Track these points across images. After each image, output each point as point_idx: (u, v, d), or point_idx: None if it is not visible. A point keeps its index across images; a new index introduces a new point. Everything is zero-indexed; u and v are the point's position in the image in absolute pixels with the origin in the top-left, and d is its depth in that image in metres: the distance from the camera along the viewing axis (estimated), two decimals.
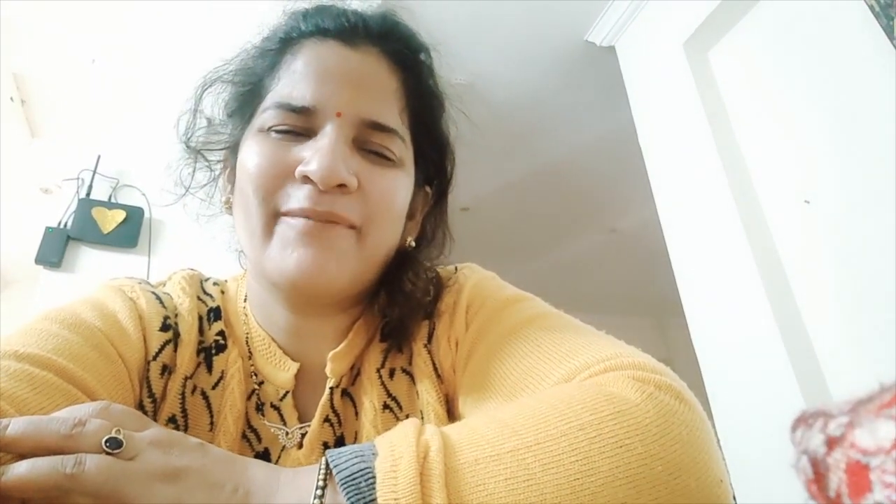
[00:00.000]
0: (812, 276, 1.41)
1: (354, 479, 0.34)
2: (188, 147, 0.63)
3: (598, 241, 4.00)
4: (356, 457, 0.36)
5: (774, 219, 1.53)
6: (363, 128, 0.53)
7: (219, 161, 0.63)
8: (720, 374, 1.60)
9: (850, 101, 1.34)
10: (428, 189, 0.65)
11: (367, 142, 0.54)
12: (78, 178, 1.77)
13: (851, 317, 1.30)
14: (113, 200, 1.76)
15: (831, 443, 0.18)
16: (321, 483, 0.35)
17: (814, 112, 1.43)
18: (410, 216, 0.62)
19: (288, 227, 0.50)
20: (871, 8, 1.27)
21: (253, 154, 0.53)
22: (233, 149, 0.59)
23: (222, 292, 0.63)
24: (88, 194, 1.74)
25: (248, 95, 0.58)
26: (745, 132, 1.65)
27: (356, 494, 0.33)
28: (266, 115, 0.54)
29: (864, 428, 0.17)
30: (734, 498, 0.40)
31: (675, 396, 0.40)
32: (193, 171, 0.63)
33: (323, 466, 0.36)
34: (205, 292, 0.62)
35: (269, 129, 0.53)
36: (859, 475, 0.16)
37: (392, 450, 0.36)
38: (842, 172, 1.35)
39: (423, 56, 0.62)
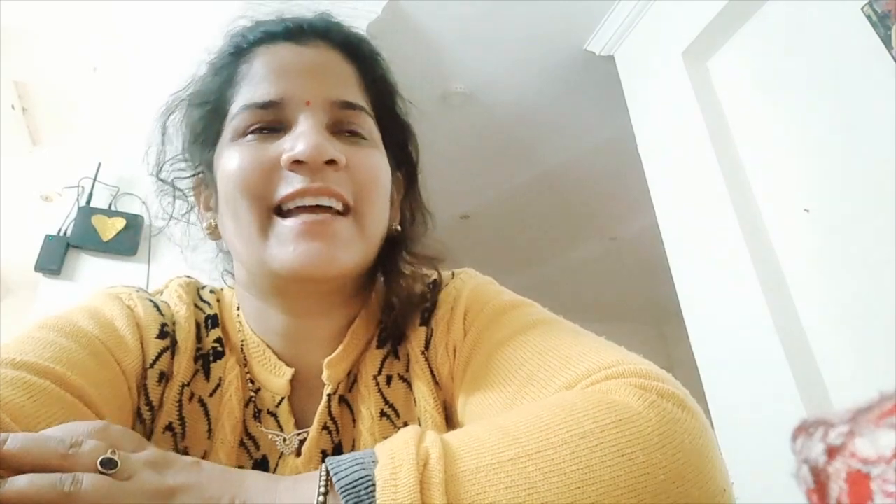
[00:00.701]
0: (812, 285, 1.41)
1: (354, 486, 0.34)
2: (160, 179, 0.63)
3: (597, 249, 4.01)
4: (356, 464, 0.36)
5: (774, 228, 1.53)
6: (335, 110, 0.54)
7: (191, 188, 0.63)
8: (721, 383, 1.60)
9: (849, 109, 1.35)
10: (399, 175, 0.65)
11: (340, 124, 0.54)
12: (78, 186, 1.77)
13: (852, 325, 1.30)
14: (113, 208, 1.76)
15: (832, 452, 0.18)
16: (322, 490, 0.35)
17: (813, 121, 1.44)
18: (390, 202, 0.62)
19: (284, 228, 0.50)
20: (869, 18, 1.28)
21: (233, 160, 0.52)
22: (207, 170, 0.59)
23: (218, 300, 0.63)
24: (89, 202, 1.74)
25: (211, 114, 0.58)
26: (745, 141, 1.66)
27: (356, 502, 0.33)
28: (235, 121, 0.54)
29: (865, 437, 0.17)
30: None
31: (677, 404, 0.39)
32: (173, 201, 0.64)
33: (323, 474, 0.36)
34: (202, 299, 0.62)
35: (243, 133, 0.53)
36: (860, 484, 0.16)
37: (392, 457, 0.36)
38: (841, 181, 1.36)
39: (369, 44, 0.63)
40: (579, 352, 0.47)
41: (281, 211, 0.51)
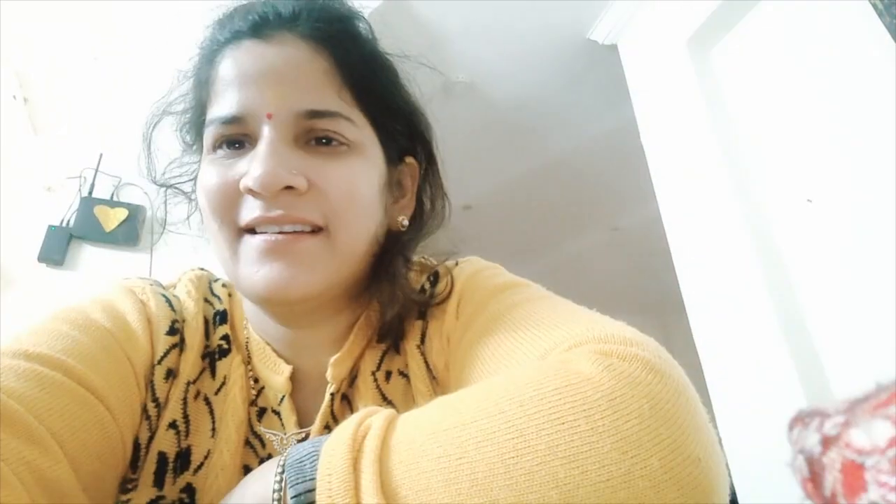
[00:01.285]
0: (815, 275, 1.41)
1: (301, 461, 0.35)
2: (158, 185, 0.63)
3: (600, 239, 4.00)
4: (311, 444, 0.37)
5: (777, 218, 1.53)
6: (301, 121, 0.50)
7: (194, 191, 0.62)
8: (722, 373, 1.60)
9: (854, 99, 1.34)
10: (410, 160, 0.62)
11: (311, 132, 0.51)
12: (80, 177, 1.77)
13: (854, 316, 1.30)
14: (115, 199, 1.76)
15: (827, 442, 0.18)
16: (280, 470, 0.36)
17: (817, 110, 1.43)
18: (400, 195, 0.60)
19: (249, 247, 0.49)
20: (875, 6, 1.27)
21: (204, 179, 0.52)
22: (195, 182, 0.59)
23: (230, 295, 0.63)
24: (91, 192, 1.74)
25: (196, 119, 0.57)
26: (748, 131, 1.65)
27: (298, 474, 0.35)
28: (206, 134, 0.52)
29: (860, 427, 0.17)
30: (734, 493, 0.38)
31: (643, 367, 0.36)
32: (166, 207, 0.64)
33: (283, 455, 0.37)
34: (212, 293, 0.62)
35: (213, 148, 0.52)
36: (854, 475, 0.16)
37: (338, 431, 0.37)
38: (845, 171, 1.35)
39: (350, 24, 0.57)
40: (552, 324, 0.45)
41: (252, 230, 0.50)
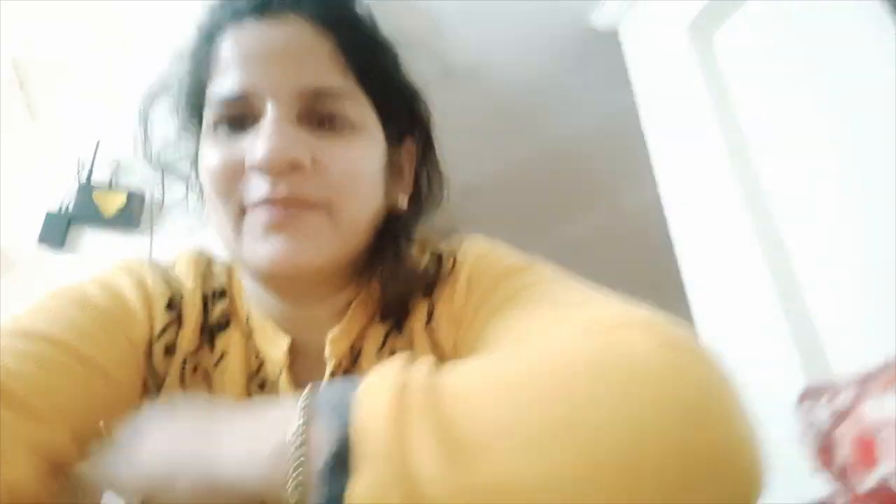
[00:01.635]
0: (815, 257, 1.41)
1: (336, 406, 0.33)
2: (154, 166, 0.62)
3: (600, 223, 3.99)
4: (338, 389, 0.35)
5: (778, 201, 1.53)
6: (305, 99, 0.50)
7: (191, 171, 0.62)
8: (723, 355, 1.61)
9: (856, 84, 1.33)
10: (409, 141, 0.62)
11: (314, 112, 0.50)
12: (78, 162, 1.76)
13: (855, 297, 1.30)
14: (114, 183, 1.76)
15: (838, 416, 0.18)
16: (302, 420, 0.33)
17: (818, 94, 1.42)
18: (398, 176, 0.60)
19: (254, 221, 0.49)
20: None
21: (207, 157, 0.51)
22: (195, 160, 0.58)
23: (229, 273, 0.63)
24: (89, 178, 1.74)
25: (194, 100, 0.56)
26: (749, 115, 1.64)
27: (338, 419, 0.32)
28: (207, 112, 0.52)
29: (872, 402, 0.17)
30: None
31: (691, 349, 0.36)
32: (163, 189, 0.63)
33: (307, 392, 0.35)
34: (212, 272, 0.62)
35: (214, 126, 0.51)
36: (865, 448, 0.16)
37: (377, 379, 0.34)
38: (846, 153, 1.35)
39: (353, 6, 0.57)
40: (581, 304, 0.45)
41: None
